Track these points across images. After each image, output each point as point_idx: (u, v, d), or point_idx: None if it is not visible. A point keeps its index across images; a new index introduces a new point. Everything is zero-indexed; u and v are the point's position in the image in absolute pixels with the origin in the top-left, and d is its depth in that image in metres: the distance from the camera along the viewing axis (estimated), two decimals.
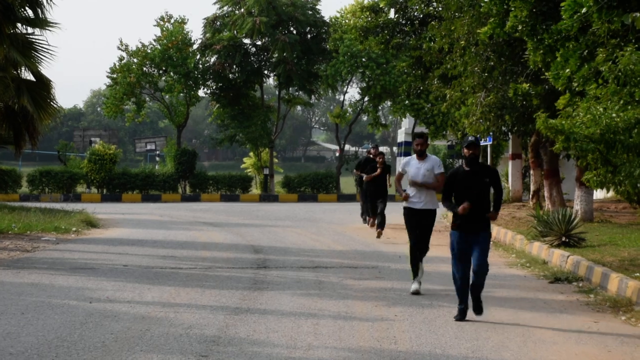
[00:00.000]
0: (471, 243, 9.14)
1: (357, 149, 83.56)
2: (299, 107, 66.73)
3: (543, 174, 22.30)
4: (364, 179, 19.49)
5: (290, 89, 42.93)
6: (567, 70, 12.67)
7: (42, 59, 19.41)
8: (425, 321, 9.05)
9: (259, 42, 41.65)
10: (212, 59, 41.16)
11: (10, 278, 11.86)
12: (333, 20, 41.32)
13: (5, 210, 22.53)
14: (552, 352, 7.76)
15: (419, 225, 10.99)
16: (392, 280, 12.09)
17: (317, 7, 41.75)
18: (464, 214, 9.09)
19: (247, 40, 41.33)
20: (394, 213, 20.08)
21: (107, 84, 41.85)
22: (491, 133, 21.75)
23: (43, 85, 19.90)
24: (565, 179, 26.41)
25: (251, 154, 44.64)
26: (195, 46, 41.23)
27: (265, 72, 42.51)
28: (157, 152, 51.75)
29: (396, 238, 17.96)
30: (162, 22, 41.35)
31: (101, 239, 18.14)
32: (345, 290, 11.09)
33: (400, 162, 11.74)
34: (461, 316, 9.15)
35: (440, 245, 14.93)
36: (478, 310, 9.12)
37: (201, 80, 41.48)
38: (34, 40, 19.43)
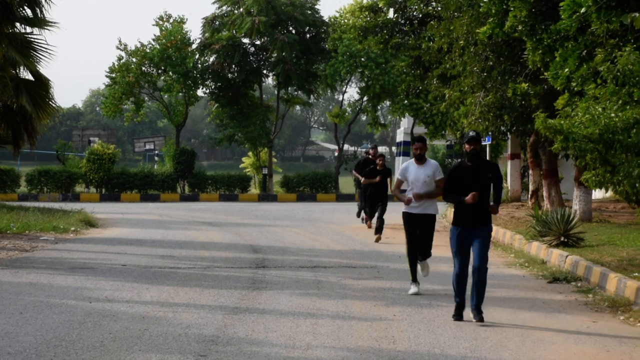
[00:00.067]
0: (472, 238, 9.09)
1: (356, 148, 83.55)
2: (297, 107, 66.73)
3: (542, 174, 22.30)
4: (361, 181, 19.30)
5: (289, 88, 42.93)
6: (566, 70, 12.68)
7: (40, 58, 19.41)
8: (424, 321, 9.05)
9: (257, 42, 41.67)
10: (211, 59, 41.16)
11: (9, 277, 11.86)
12: (332, 19, 41.33)
13: (3, 210, 22.52)
14: (550, 351, 7.76)
15: (418, 230, 10.90)
16: (390, 280, 12.09)
17: (316, 6, 41.76)
18: (467, 209, 9.01)
19: (246, 40, 41.33)
20: (394, 213, 20.07)
21: (106, 83, 41.86)
22: (490, 133, 21.76)
23: (42, 84, 19.90)
24: (564, 178, 26.41)
25: (250, 153, 44.63)
26: (194, 46, 41.24)
27: (264, 71, 42.51)
28: (156, 152, 51.71)
29: (395, 238, 17.96)
30: (161, 22, 41.35)
31: (100, 238, 18.13)
32: (344, 290, 11.09)
33: (399, 166, 11.56)
34: (459, 313, 9.09)
35: (439, 245, 14.92)
36: (479, 317, 8.90)
37: (200, 80, 41.48)
38: (32, 39, 19.43)
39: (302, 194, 40.95)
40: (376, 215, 18.12)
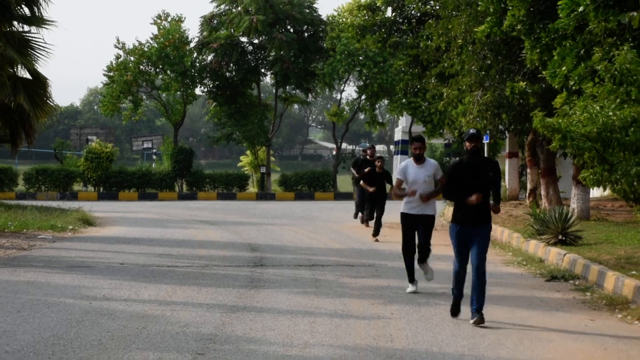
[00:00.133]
0: (472, 237, 9.00)
1: (354, 147, 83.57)
2: (296, 106, 66.66)
3: (540, 173, 22.32)
4: (361, 183, 19.16)
5: (287, 87, 42.93)
6: (564, 68, 12.69)
7: (38, 56, 19.42)
8: (421, 319, 9.05)
9: (256, 41, 41.65)
10: (209, 57, 41.15)
11: (7, 276, 11.85)
12: (330, 18, 41.32)
13: (1, 209, 22.50)
14: (548, 349, 7.76)
15: (416, 231, 10.82)
16: (388, 278, 12.09)
17: (314, 5, 41.76)
18: (467, 207, 8.93)
19: (244, 39, 41.34)
20: (392, 212, 20.06)
21: (104, 82, 41.83)
22: (488, 131, 21.75)
23: (39, 83, 19.89)
24: (562, 177, 26.44)
25: (248, 152, 44.63)
26: (192, 44, 41.23)
27: (262, 70, 42.51)
28: (154, 151, 51.68)
29: (393, 237, 17.96)
30: (159, 21, 41.32)
31: (98, 237, 18.12)
32: (341, 289, 11.09)
33: (397, 165, 11.45)
34: (456, 306, 9.07)
35: (438, 244, 14.92)
36: (480, 319, 8.75)
37: (198, 79, 41.47)
38: (30, 38, 19.43)
39: (300, 192, 40.95)
40: (374, 217, 18.12)
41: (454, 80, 19.76)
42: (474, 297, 8.87)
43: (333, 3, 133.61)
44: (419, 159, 10.73)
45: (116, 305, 9.56)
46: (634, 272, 11.05)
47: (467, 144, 9.05)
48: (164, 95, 42.62)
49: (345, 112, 43.99)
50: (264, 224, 22.17)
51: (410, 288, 10.86)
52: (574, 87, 12.60)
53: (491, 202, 9.22)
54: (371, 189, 18.26)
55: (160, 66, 40.87)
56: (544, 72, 13.87)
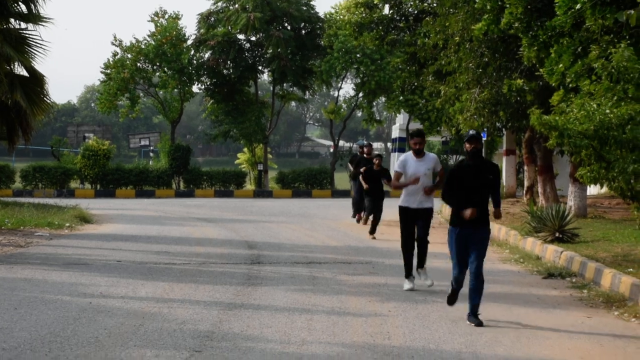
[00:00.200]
0: (470, 239, 8.88)
1: (351, 144, 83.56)
2: (293, 103, 66.62)
3: (537, 170, 22.33)
4: (360, 178, 19.14)
5: (285, 84, 42.87)
6: (561, 66, 12.70)
7: (35, 54, 19.40)
8: (418, 316, 9.06)
9: (253, 38, 41.60)
10: (206, 55, 41.08)
11: (4, 273, 11.84)
12: (327, 16, 41.28)
13: None
14: (545, 347, 7.77)
15: (415, 225, 10.83)
16: (385, 275, 12.10)
17: (311, 3, 41.69)
18: (466, 208, 8.81)
19: (241, 36, 41.27)
20: (389, 209, 20.07)
21: (101, 79, 41.75)
22: (485, 129, 21.78)
23: (36, 80, 19.87)
24: (559, 174, 26.44)
25: (245, 149, 44.60)
26: (189, 42, 41.15)
27: (260, 67, 42.45)
28: (151, 148, 51.60)
29: (390, 234, 17.96)
30: (156, 18, 41.25)
31: (95, 234, 18.11)
32: (339, 286, 11.09)
33: (396, 160, 11.37)
34: (453, 297, 9.08)
35: (435, 243, 14.92)
36: (477, 322, 8.69)
37: (195, 76, 41.41)
38: (27, 35, 19.41)
39: (297, 190, 40.94)
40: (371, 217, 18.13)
41: (451, 77, 19.76)
42: (471, 300, 8.80)
43: (330, 0, 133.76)
44: (419, 154, 10.73)
45: (113, 303, 9.56)
46: (631, 269, 11.07)
47: (467, 145, 8.94)
48: (161, 92, 42.55)
49: (342, 110, 43.95)
50: (261, 222, 22.16)
51: (407, 285, 10.87)
52: (570, 85, 12.61)
53: (491, 208, 9.09)
54: (366, 186, 18.29)
55: (158, 63, 40.80)
56: (541, 70, 13.88)
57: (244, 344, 7.64)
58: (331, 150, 53.51)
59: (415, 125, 38.99)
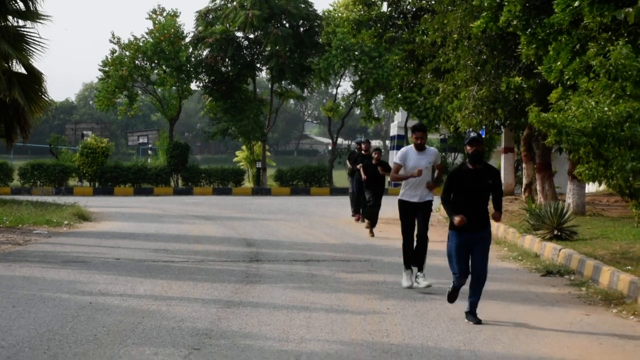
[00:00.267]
0: (472, 243, 8.74)
1: (349, 142, 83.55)
2: (291, 101, 66.67)
3: (535, 168, 22.33)
4: (360, 171, 19.13)
5: (283, 82, 42.88)
6: (559, 63, 12.70)
7: (33, 51, 19.40)
8: (417, 314, 9.06)
9: (251, 36, 41.60)
10: (205, 52, 41.08)
11: (2, 271, 11.83)
12: (326, 13, 41.28)
13: None
14: (543, 344, 7.78)
15: (415, 219, 10.81)
16: (384, 273, 12.10)
17: (309, 0, 41.70)
18: (466, 212, 8.68)
19: (239, 34, 41.26)
20: (389, 207, 20.08)
21: (99, 77, 41.76)
22: (484, 127, 21.78)
23: (34, 78, 19.88)
24: (558, 172, 26.44)
25: (244, 147, 44.61)
26: (187, 39, 41.15)
27: (258, 65, 42.46)
28: (150, 146, 51.65)
29: (389, 232, 17.97)
30: (154, 15, 41.25)
31: (93, 232, 18.10)
32: (337, 284, 11.09)
33: (395, 153, 11.31)
34: (454, 292, 8.94)
35: (433, 241, 14.92)
36: (475, 320, 8.66)
37: (193, 74, 41.40)
38: (25, 32, 19.40)
39: (295, 187, 40.95)
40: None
41: (449, 75, 19.76)
42: (470, 298, 8.77)
43: None
44: (421, 148, 10.71)
45: (112, 300, 9.56)
46: (629, 267, 11.07)
47: (468, 147, 8.79)
48: (159, 90, 42.56)
49: (341, 107, 43.96)
50: (259, 219, 22.16)
51: (406, 282, 10.83)
52: (569, 82, 12.61)
53: (491, 209, 8.98)
54: (364, 177, 18.21)
55: (156, 61, 40.80)
56: (539, 67, 13.89)
57: (242, 342, 7.64)
58: (329, 147, 53.54)
59: (414, 123, 38.94)
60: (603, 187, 19.81)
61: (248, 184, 43.38)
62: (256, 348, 7.43)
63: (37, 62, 34.11)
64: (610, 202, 23.25)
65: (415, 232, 11.00)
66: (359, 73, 40.67)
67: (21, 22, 19.69)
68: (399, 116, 44.83)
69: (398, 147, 43.53)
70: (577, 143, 11.08)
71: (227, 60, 40.71)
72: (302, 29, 41.42)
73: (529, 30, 14.40)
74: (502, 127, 23.70)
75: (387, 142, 79.02)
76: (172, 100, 42.58)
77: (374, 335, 8.01)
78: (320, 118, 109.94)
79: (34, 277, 11.33)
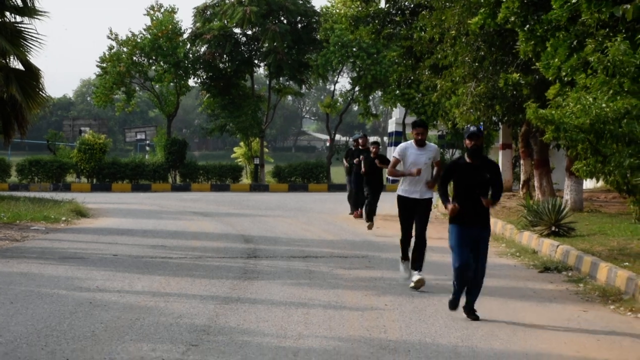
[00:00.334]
0: (471, 239, 8.68)
1: (347, 138, 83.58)
2: (289, 97, 66.55)
3: (533, 164, 22.34)
4: (359, 165, 19.10)
5: (281, 78, 42.85)
6: (557, 60, 12.69)
7: (31, 47, 19.39)
8: (415, 310, 9.06)
9: (249, 32, 41.56)
10: (202, 49, 41.04)
11: (0, 267, 11.82)
12: (324, 9, 41.25)
13: None
14: (541, 341, 7.78)
15: (414, 216, 10.63)
16: (382, 269, 12.10)
17: None
18: (465, 206, 8.65)
19: (237, 30, 41.23)
20: (387, 202, 20.10)
21: (97, 73, 41.72)
22: (481, 123, 21.76)
23: (32, 74, 19.87)
24: (555, 168, 26.47)
25: (241, 143, 44.57)
26: (185, 35, 41.11)
27: (256, 61, 42.42)
28: (147, 142, 51.59)
29: (387, 228, 17.97)
30: (152, 11, 41.19)
31: (91, 228, 18.10)
32: (335, 280, 11.10)
33: (394, 149, 11.14)
34: (455, 299, 8.79)
35: (431, 237, 14.92)
36: (473, 316, 8.65)
37: (191, 70, 41.36)
38: (22, 28, 19.39)
39: (293, 184, 40.93)
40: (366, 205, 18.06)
41: (447, 71, 19.75)
42: (468, 295, 8.75)
43: None
44: (421, 144, 10.55)
45: (109, 297, 9.55)
46: (627, 263, 11.08)
47: (467, 141, 8.72)
48: (157, 86, 42.51)
49: (338, 104, 43.94)
50: (257, 216, 22.16)
51: (403, 273, 10.76)
52: (566, 79, 12.61)
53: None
54: (363, 169, 18.13)
55: (154, 57, 40.75)
56: (537, 64, 13.88)
57: (240, 338, 7.64)
58: (327, 144, 53.53)
59: (412, 119, 38.92)
60: (601, 183, 19.79)
61: (246, 180, 43.36)
62: (254, 344, 7.43)
63: (35, 58, 34.06)
64: (608, 199, 23.26)
65: (413, 232, 10.87)
66: (357, 69, 40.65)
67: (19, 18, 19.68)
68: (397, 112, 44.85)
69: (396, 144, 43.47)
70: (574, 139, 11.09)
71: (224, 56, 40.68)
72: (299, 25, 41.39)
73: (527, 26, 14.39)
74: (500, 123, 23.70)
75: (385, 138, 79.01)
76: (170, 96, 42.53)
77: (371, 331, 8.01)
78: (318, 114, 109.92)
79: (32, 273, 11.32)
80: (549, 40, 13.29)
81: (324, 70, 40.74)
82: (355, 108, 53.33)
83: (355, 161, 20.05)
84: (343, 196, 28.62)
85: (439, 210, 21.63)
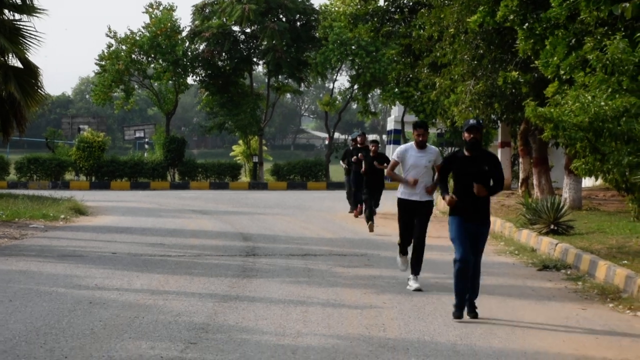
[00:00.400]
0: (471, 234, 8.63)
1: (346, 136, 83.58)
2: (288, 95, 66.68)
3: (532, 162, 22.34)
4: (358, 164, 19.06)
5: (280, 76, 42.84)
6: (556, 58, 12.70)
7: (29, 45, 19.38)
8: (414, 309, 9.06)
9: (248, 30, 41.52)
10: (201, 47, 41.00)
11: None
12: (322, 7, 41.22)
13: None
14: (539, 339, 7.79)
15: (414, 219, 10.38)
16: (380, 268, 12.10)
17: None
18: (466, 200, 8.59)
19: (236, 28, 41.19)
20: (386, 201, 20.09)
21: (96, 71, 41.68)
22: (480, 121, 21.75)
23: (30, 72, 19.85)
24: (554, 167, 26.46)
25: (240, 141, 44.55)
26: (184, 33, 41.07)
27: (255, 59, 42.38)
28: (146, 140, 51.53)
29: (386, 227, 17.96)
30: (150, 9, 41.14)
31: (90, 226, 18.09)
32: (334, 278, 11.10)
33: (394, 149, 11.00)
34: (459, 309, 8.56)
35: (431, 237, 14.91)
36: (473, 313, 8.63)
37: (190, 68, 41.32)
38: (21, 26, 19.37)
39: (292, 182, 40.92)
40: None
41: (446, 69, 19.75)
42: (467, 294, 8.68)
43: None
44: (422, 146, 10.34)
45: (108, 295, 9.55)
46: (626, 261, 11.09)
47: (466, 134, 8.63)
48: (155, 84, 42.47)
49: (337, 102, 43.92)
50: (256, 214, 22.16)
51: (402, 265, 10.70)
52: (565, 77, 12.61)
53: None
54: (363, 169, 17.98)
55: (152, 55, 40.71)
56: (536, 62, 13.88)
57: (239, 336, 7.64)
58: (326, 142, 53.48)
59: (411, 117, 38.97)
60: (599, 181, 19.82)
61: (245, 178, 43.34)
62: (253, 342, 7.43)
63: (33, 56, 34.05)
64: (606, 197, 23.27)
65: (413, 232, 10.54)
66: (356, 67, 40.64)
67: (17, 16, 19.65)
68: (396, 110, 44.85)
69: (395, 142, 43.58)
70: (573, 138, 11.09)
71: (223, 54, 40.65)
72: (298, 23, 41.36)
73: (526, 24, 14.39)
74: (498, 121, 23.69)
75: (384, 136, 79.03)
76: (169, 94, 42.50)
77: (370, 329, 8.01)
78: (317, 112, 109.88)
79: (31, 271, 11.32)
80: (548, 38, 13.29)
81: (323, 68, 40.72)
82: (354, 106, 53.37)
83: (353, 159, 20.04)
84: (342, 194, 28.62)
85: (438, 209, 21.63)
